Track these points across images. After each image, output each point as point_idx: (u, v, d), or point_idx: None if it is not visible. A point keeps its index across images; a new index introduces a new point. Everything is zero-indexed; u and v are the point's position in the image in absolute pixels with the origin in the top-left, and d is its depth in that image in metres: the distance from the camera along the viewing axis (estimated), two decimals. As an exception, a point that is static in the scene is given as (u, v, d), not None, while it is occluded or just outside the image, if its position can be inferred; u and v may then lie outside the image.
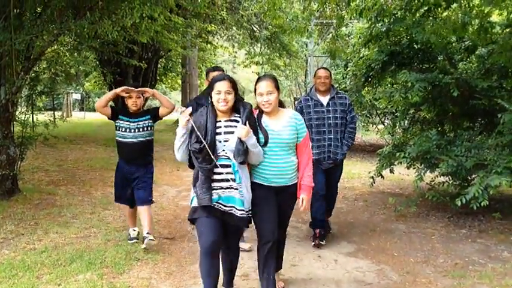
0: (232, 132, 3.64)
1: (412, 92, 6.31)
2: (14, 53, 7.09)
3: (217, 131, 3.66)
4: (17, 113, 8.29)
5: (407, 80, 6.21)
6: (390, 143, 7.83)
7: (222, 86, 3.62)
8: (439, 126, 7.78)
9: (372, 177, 7.42)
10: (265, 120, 3.91)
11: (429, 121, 8.20)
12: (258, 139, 3.74)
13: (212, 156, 3.57)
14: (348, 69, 9.12)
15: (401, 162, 6.82)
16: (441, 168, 5.94)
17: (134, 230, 5.72)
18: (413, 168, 6.98)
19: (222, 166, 3.62)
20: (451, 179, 6.78)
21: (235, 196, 3.67)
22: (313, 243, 5.72)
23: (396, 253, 5.47)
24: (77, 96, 37.01)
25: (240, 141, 3.57)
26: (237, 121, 3.72)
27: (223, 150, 3.63)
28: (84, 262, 4.87)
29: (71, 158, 12.35)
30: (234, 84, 3.71)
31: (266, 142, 3.81)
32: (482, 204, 5.15)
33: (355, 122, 5.92)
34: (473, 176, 6.04)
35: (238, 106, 3.76)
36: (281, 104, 4.03)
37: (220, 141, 3.64)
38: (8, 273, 4.54)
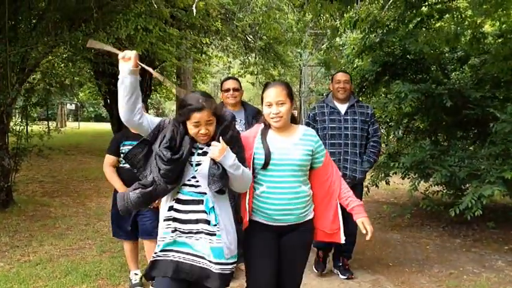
0: (206, 154, 2.72)
1: (406, 102, 6.36)
2: (8, 64, 7.10)
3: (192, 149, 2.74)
4: (12, 124, 8.29)
5: (400, 90, 6.24)
6: (385, 153, 7.86)
7: (200, 118, 2.62)
8: (433, 136, 7.82)
9: (367, 186, 7.44)
10: (271, 136, 3.04)
11: (423, 131, 8.25)
12: (253, 160, 2.91)
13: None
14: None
15: (396, 172, 6.85)
16: (435, 178, 5.97)
17: (136, 274, 4.65)
18: (408, 178, 7.02)
19: (190, 202, 2.71)
20: (445, 188, 6.83)
21: (211, 244, 2.69)
22: (316, 269, 5.11)
23: (391, 263, 5.48)
24: (72, 106, 37.00)
25: (214, 163, 2.65)
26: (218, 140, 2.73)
27: (194, 177, 2.71)
28: (79, 274, 4.86)
29: (65, 168, 12.34)
30: (216, 111, 2.71)
31: (266, 163, 2.92)
32: (475, 213, 5.18)
33: (379, 136, 5.08)
34: (467, 185, 6.08)
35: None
36: (293, 119, 3.15)
37: (191, 164, 2.72)
38: (2, 286, 4.53)
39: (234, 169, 2.67)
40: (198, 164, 2.71)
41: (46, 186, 9.81)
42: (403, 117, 8.03)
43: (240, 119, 4.73)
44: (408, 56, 7.53)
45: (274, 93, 2.97)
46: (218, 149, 2.63)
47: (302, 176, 3.00)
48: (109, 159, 4.46)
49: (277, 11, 15.12)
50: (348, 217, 4.10)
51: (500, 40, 7.32)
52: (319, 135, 4.33)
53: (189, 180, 2.71)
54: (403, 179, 7.46)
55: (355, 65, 8.50)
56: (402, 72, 7.61)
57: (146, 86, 17.68)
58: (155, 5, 7.06)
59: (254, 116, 4.80)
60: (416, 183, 6.24)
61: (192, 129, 2.67)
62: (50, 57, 9.58)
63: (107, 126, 23.93)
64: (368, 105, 5.15)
